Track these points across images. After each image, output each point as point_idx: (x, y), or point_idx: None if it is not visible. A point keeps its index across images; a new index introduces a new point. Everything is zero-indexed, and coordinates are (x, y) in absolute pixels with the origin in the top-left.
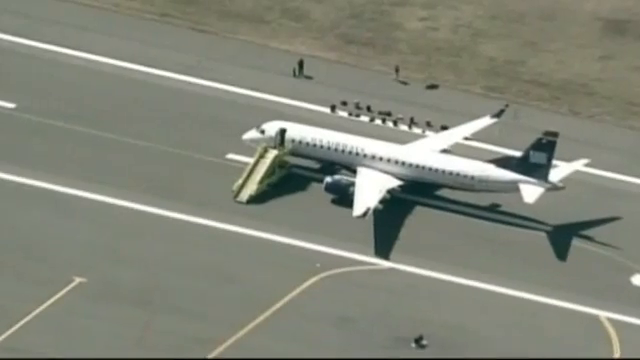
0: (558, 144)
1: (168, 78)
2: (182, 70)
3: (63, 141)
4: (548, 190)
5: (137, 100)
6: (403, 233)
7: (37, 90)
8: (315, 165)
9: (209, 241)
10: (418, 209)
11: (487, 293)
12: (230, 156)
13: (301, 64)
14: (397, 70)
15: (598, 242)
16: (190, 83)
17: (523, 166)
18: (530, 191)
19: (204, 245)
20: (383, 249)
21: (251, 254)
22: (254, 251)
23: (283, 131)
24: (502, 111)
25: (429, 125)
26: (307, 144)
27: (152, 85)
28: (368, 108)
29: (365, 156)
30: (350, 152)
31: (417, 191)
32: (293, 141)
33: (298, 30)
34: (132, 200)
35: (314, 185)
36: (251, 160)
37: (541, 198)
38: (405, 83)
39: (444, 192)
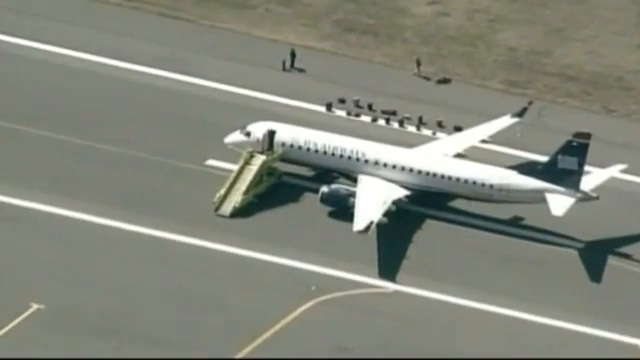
0: (590, 147)
1: (137, 72)
2: (153, 63)
3: (21, 146)
4: (579, 200)
5: (103, 98)
6: (411, 251)
7: None
8: (309, 172)
9: (187, 261)
10: (428, 223)
11: (509, 320)
12: (210, 162)
13: (293, 55)
14: (418, 63)
15: (637, 260)
16: (162, 78)
17: (550, 173)
18: (558, 202)
19: (181, 266)
20: (388, 269)
21: (236, 276)
22: (239, 272)
23: (272, 133)
24: (525, 109)
25: (440, 126)
26: (299, 148)
27: (120, 81)
28: (370, 106)
29: (367, 162)
30: (349, 157)
31: (427, 202)
32: (283, 145)
33: (288, 16)
34: (99, 214)
35: (308, 196)
36: (235, 167)
37: (571, 210)
38: (428, 79)
39: (458, 203)
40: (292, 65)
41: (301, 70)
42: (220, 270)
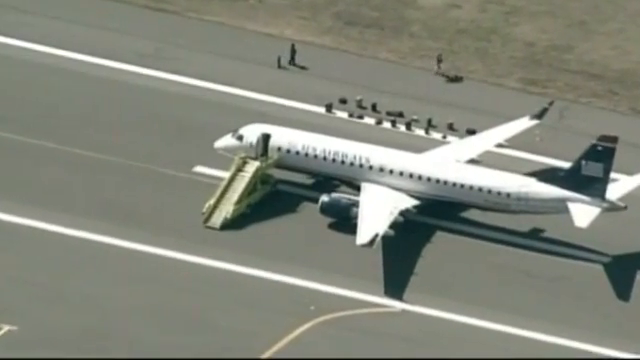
0: (617, 152)
1: (119, 70)
2: (136, 60)
3: None
4: (605, 211)
5: (81, 99)
6: (420, 266)
7: None
8: (307, 180)
9: (173, 278)
10: (439, 236)
11: (529, 342)
12: (199, 169)
13: (293, 51)
14: (439, 60)
15: None
16: (146, 77)
17: (573, 180)
18: (582, 212)
19: (167, 282)
20: (394, 287)
21: (227, 294)
22: (231, 290)
23: (266, 137)
24: (545, 110)
25: (452, 128)
26: (297, 153)
27: (99, 80)
28: (374, 107)
29: (371, 168)
30: (352, 163)
31: (437, 213)
32: (279, 150)
33: (283, 8)
34: (76, 227)
35: (306, 206)
36: (226, 174)
37: (596, 221)
38: (449, 77)
39: (472, 214)
40: (293, 62)
41: (302, 67)
42: (210, 287)
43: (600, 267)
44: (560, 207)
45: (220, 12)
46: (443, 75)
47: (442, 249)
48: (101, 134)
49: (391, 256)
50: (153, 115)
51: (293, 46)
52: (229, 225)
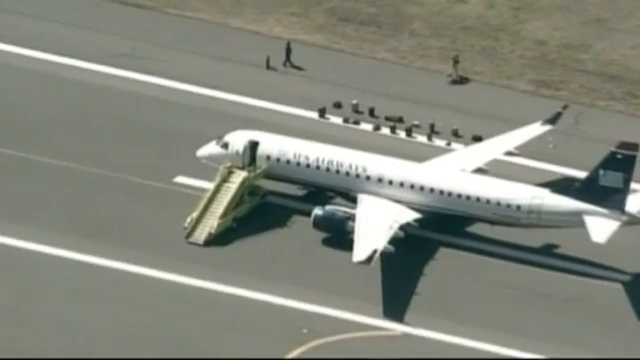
0: (638, 160)
1: (91, 72)
2: (111, 60)
3: None
4: (625, 224)
5: (51, 102)
6: (422, 286)
7: None
8: (299, 191)
9: (153, 298)
10: (443, 252)
11: None
12: (180, 180)
13: (288, 50)
14: (455, 62)
15: None
16: (121, 78)
17: (590, 191)
18: (600, 226)
19: (146, 304)
20: (394, 308)
21: (211, 316)
22: (215, 312)
23: (254, 145)
24: (558, 115)
25: (456, 135)
26: (287, 162)
27: (69, 82)
28: (371, 112)
29: (368, 178)
30: (347, 173)
31: (441, 227)
32: (268, 158)
33: (272, 3)
34: (45, 243)
35: (298, 220)
36: (210, 185)
37: (615, 235)
38: (455, 80)
39: (479, 228)
40: (288, 62)
41: (299, 68)
42: (192, 309)
43: (619, 286)
44: (576, 221)
45: (202, 7)
46: (460, 79)
47: (446, 267)
48: (70, 141)
49: (391, 274)
50: (129, 121)
51: (288, 44)
52: (213, 241)
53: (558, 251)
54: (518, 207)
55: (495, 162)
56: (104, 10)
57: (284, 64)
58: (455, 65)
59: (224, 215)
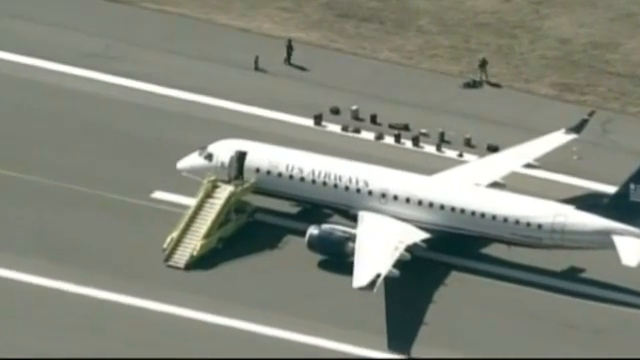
0: None
1: (60, 74)
2: (81, 61)
3: None
4: None
5: (16, 108)
6: (431, 314)
7: None
8: (292, 208)
9: (128, 328)
10: (454, 277)
11: None
12: (158, 195)
13: (289, 48)
14: (483, 64)
15: None
16: (94, 81)
17: (620, 208)
18: (631, 247)
19: (121, 334)
20: (400, 339)
21: (193, 347)
22: (197, 343)
23: (241, 156)
24: (584, 122)
25: (469, 145)
26: (279, 175)
27: (36, 85)
28: (373, 119)
29: (370, 194)
30: (347, 188)
31: (452, 249)
32: (257, 171)
33: None
34: (8, 266)
35: (291, 240)
36: (192, 201)
37: None
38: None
39: (495, 250)
40: (289, 61)
41: (302, 69)
42: (171, 339)
43: None
44: (604, 241)
45: (184, 2)
46: (489, 84)
47: (458, 293)
48: (34, 152)
49: (396, 302)
50: (101, 129)
51: (290, 42)
52: (196, 264)
53: (584, 276)
54: (539, 226)
55: (513, 175)
56: (72, 4)
57: (284, 63)
58: (482, 68)
59: (208, 235)
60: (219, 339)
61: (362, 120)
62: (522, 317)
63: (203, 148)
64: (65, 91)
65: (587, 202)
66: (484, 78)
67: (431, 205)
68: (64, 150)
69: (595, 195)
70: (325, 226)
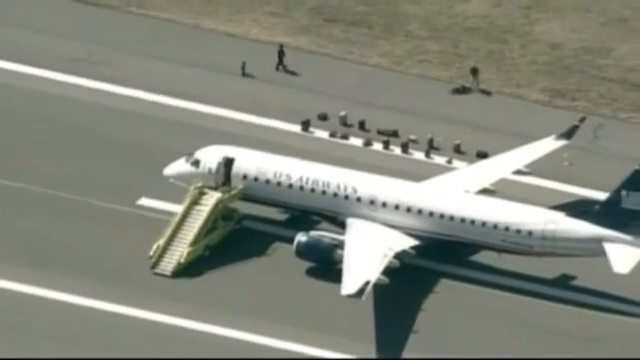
0: None
1: (42, 79)
2: (65, 66)
3: None
4: None
5: None
6: (421, 322)
7: None
8: (280, 215)
9: (115, 337)
10: (444, 284)
11: None
12: (144, 202)
13: (281, 53)
14: (475, 72)
15: None
16: (77, 87)
17: (611, 215)
18: (622, 255)
19: (107, 343)
20: (389, 347)
21: (182, 355)
22: (184, 351)
23: (228, 162)
24: (574, 128)
25: (459, 151)
26: (267, 182)
27: (18, 90)
28: (361, 125)
29: (359, 200)
30: (335, 194)
31: (442, 256)
32: (245, 178)
33: (249, 1)
34: None
35: (279, 247)
36: (179, 208)
37: None
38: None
39: (485, 257)
40: (281, 66)
41: (293, 73)
42: (158, 348)
43: None
44: (595, 249)
45: (169, 6)
46: (481, 92)
47: (448, 301)
48: (18, 158)
49: (385, 309)
50: (87, 134)
51: (281, 47)
52: (183, 272)
53: (575, 283)
54: (529, 233)
55: (503, 182)
56: (55, 9)
57: (277, 68)
58: (474, 76)
59: (195, 242)
60: (206, 347)
61: (350, 126)
62: (513, 325)
63: (190, 154)
64: (49, 97)
65: (578, 209)
66: (476, 86)
67: (420, 212)
68: (48, 156)
69: (586, 202)
70: (313, 233)
